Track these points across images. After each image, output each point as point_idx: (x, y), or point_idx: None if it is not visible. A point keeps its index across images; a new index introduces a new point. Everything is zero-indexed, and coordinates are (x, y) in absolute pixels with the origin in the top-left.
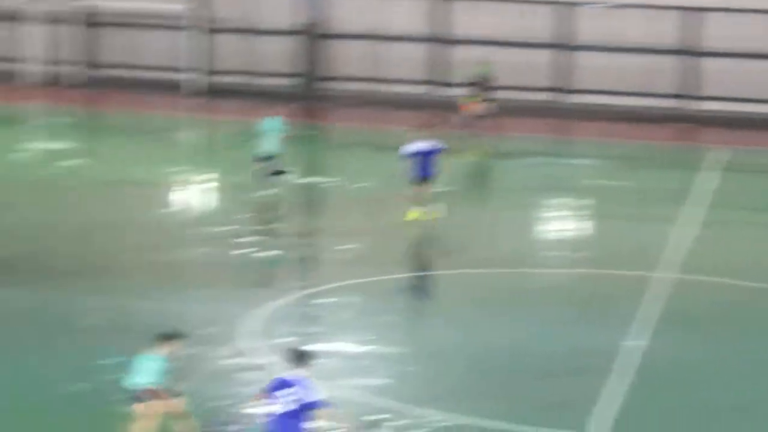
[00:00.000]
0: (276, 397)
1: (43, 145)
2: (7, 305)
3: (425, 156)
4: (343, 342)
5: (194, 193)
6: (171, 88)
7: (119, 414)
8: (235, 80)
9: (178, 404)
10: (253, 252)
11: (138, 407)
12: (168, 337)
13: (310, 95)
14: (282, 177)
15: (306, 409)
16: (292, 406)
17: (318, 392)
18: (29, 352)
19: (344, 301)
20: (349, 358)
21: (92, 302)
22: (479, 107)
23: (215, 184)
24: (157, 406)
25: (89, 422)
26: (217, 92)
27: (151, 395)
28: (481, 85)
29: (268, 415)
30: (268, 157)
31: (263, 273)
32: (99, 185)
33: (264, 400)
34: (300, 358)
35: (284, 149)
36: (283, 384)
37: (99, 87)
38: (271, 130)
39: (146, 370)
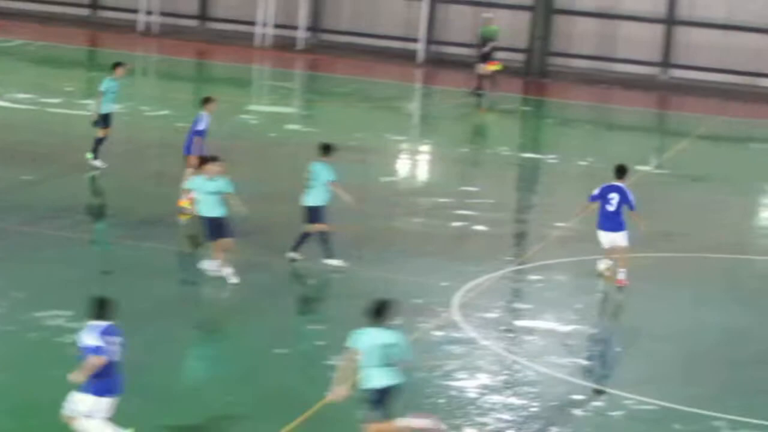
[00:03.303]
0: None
1: (269, 107)
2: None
3: None
4: (550, 320)
5: (414, 162)
6: (398, 56)
7: (320, 379)
8: (463, 52)
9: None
10: (466, 225)
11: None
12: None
13: (535, 70)
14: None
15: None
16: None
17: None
18: (235, 313)
19: (554, 279)
20: (553, 337)
21: (302, 266)
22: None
23: (435, 154)
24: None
25: (298, 385)
26: (442, 62)
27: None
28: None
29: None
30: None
31: (475, 246)
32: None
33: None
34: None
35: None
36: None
37: (327, 52)
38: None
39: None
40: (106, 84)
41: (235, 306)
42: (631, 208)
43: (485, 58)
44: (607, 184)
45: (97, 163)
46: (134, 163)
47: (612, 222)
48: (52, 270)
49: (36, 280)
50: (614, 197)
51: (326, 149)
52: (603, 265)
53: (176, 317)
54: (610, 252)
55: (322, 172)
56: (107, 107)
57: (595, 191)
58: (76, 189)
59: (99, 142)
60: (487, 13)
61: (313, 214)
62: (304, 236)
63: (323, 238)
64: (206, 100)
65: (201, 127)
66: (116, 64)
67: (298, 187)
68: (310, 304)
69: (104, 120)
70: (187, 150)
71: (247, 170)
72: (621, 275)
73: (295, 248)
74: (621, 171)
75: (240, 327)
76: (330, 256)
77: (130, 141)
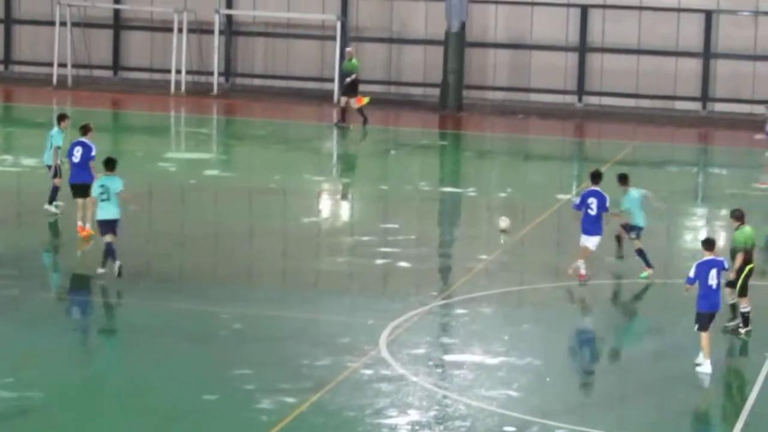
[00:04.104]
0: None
1: (187, 153)
2: (141, 314)
3: None
4: (478, 353)
5: (335, 202)
6: (314, 97)
7: (253, 422)
8: (376, 89)
9: None
10: (390, 262)
11: None
12: None
13: (450, 104)
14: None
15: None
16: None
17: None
18: (161, 362)
19: (480, 312)
20: (482, 369)
21: (227, 311)
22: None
23: (355, 192)
24: None
25: (231, 431)
26: None
27: None
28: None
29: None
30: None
31: (399, 283)
32: (240, 193)
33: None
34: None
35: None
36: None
37: (243, 96)
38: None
39: None
40: (58, 137)
41: (160, 354)
42: (605, 210)
43: (352, 91)
44: (586, 190)
45: (53, 208)
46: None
47: (594, 226)
48: None
49: None
50: (593, 202)
51: (110, 163)
52: (577, 264)
53: (99, 366)
54: (583, 253)
55: (113, 186)
56: (53, 158)
57: (577, 200)
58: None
59: (56, 191)
60: (348, 47)
61: (111, 226)
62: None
63: (111, 248)
64: (86, 128)
65: (94, 152)
66: (62, 116)
67: (221, 232)
68: (235, 349)
69: (56, 170)
70: (89, 177)
71: (168, 217)
72: (583, 270)
73: (103, 264)
74: (597, 176)
75: (167, 374)
76: (104, 265)
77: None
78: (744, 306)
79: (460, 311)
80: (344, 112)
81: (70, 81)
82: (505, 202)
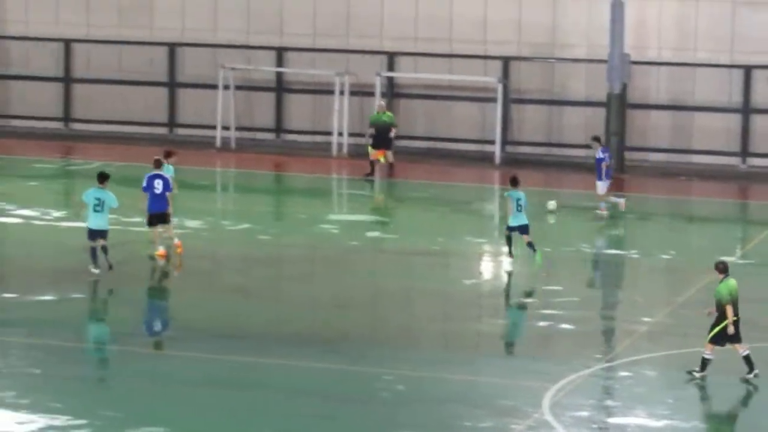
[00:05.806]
0: None
1: (349, 216)
2: (303, 376)
3: None
4: (642, 416)
5: (496, 264)
6: (475, 159)
7: None
8: (538, 151)
9: None
10: (552, 324)
11: None
12: None
13: (614, 167)
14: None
15: None
16: None
17: None
18: (324, 423)
19: (644, 375)
20: None
21: (389, 372)
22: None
23: (516, 254)
24: None
25: None
26: (518, 163)
27: None
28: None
29: None
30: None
31: (562, 345)
32: (401, 255)
33: None
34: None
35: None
36: None
37: (404, 158)
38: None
39: None
40: (168, 170)
41: (324, 415)
42: None
43: (388, 145)
44: None
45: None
46: (217, 278)
47: None
48: (138, 386)
49: (124, 397)
50: None
51: (102, 177)
52: None
53: (260, 428)
54: None
55: (109, 201)
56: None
57: None
58: (158, 305)
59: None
60: (381, 101)
61: (102, 235)
62: (95, 251)
63: (98, 251)
64: (158, 162)
65: (172, 184)
66: (170, 153)
67: (382, 294)
68: (398, 410)
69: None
70: (167, 206)
71: (330, 279)
72: None
73: (96, 264)
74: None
75: None
76: (96, 266)
77: (213, 256)
78: (742, 351)
79: (623, 374)
80: (392, 165)
81: (233, 143)
82: (668, 264)
